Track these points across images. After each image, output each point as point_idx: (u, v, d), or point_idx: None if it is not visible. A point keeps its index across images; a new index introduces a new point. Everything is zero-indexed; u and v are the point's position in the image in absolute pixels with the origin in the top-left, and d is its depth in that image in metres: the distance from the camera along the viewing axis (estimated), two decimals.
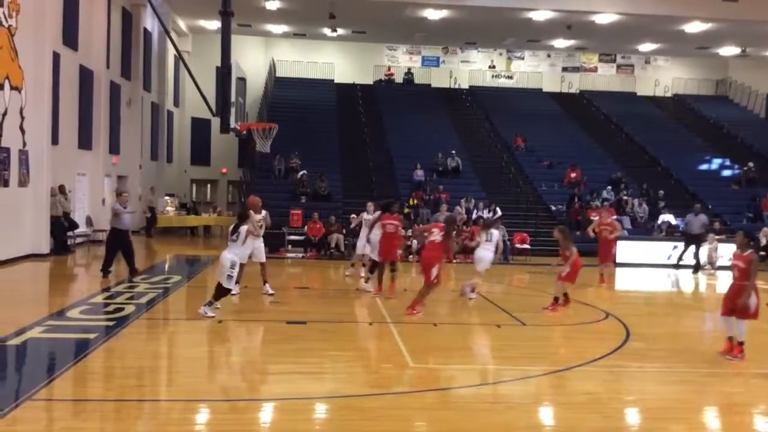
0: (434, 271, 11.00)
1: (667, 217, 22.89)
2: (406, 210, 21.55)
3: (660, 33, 29.59)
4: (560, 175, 25.97)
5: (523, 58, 36.65)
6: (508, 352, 9.05)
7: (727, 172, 27.94)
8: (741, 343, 8.72)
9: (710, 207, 23.84)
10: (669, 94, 35.95)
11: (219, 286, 10.17)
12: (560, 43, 32.71)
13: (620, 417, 6.67)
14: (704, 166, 28.48)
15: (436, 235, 11.18)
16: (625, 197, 24.03)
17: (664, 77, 36.59)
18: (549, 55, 36.32)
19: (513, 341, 9.70)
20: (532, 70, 36.33)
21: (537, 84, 35.46)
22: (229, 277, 10.06)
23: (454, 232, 11.93)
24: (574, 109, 33.07)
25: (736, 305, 8.62)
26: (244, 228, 10.33)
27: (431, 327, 10.25)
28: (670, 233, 22.06)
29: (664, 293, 16.86)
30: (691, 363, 8.81)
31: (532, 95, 34.36)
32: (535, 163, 27.23)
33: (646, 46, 33.00)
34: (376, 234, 13.09)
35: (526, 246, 21.26)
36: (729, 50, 32.44)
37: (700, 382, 8.04)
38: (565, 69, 36.68)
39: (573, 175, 25.49)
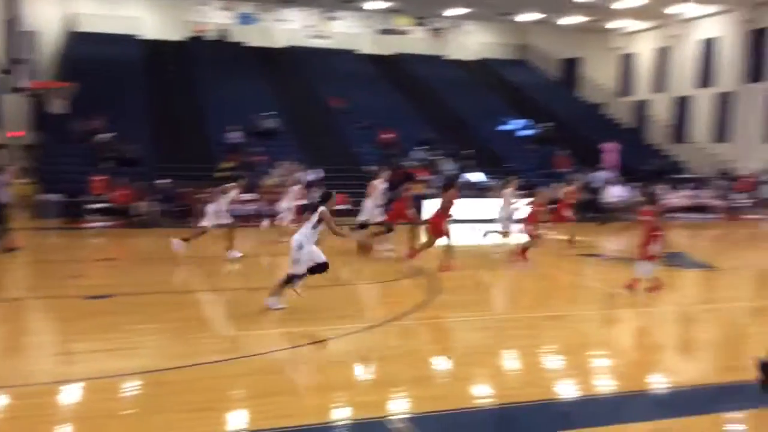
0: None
1: (476, 176, 24.30)
2: (220, 174, 20.98)
3: None
4: (376, 136, 26.57)
5: (340, 19, 36.72)
6: (324, 313, 9.20)
7: (525, 132, 30.11)
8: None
9: (512, 165, 25.62)
10: (475, 58, 37.87)
11: None
12: (373, 5, 33.16)
13: (431, 365, 7.08)
14: (506, 127, 30.47)
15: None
16: (435, 158, 25.13)
17: (471, 42, 38.43)
18: (365, 18, 36.69)
19: (331, 301, 9.87)
20: (349, 32, 36.55)
21: (354, 46, 35.77)
22: None
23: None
24: (389, 72, 33.83)
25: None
26: None
27: (253, 292, 10.15)
28: (478, 191, 23.46)
29: (470, 247, 18.00)
30: (491, 311, 9.54)
31: (350, 57, 34.63)
32: (352, 124, 27.62)
33: (455, 11, 34.41)
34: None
35: (348, 206, 21.57)
36: (529, 16, 34.74)
37: (498, 327, 8.74)
38: (381, 31, 37.30)
39: (387, 136, 26.18)
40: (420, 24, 37.97)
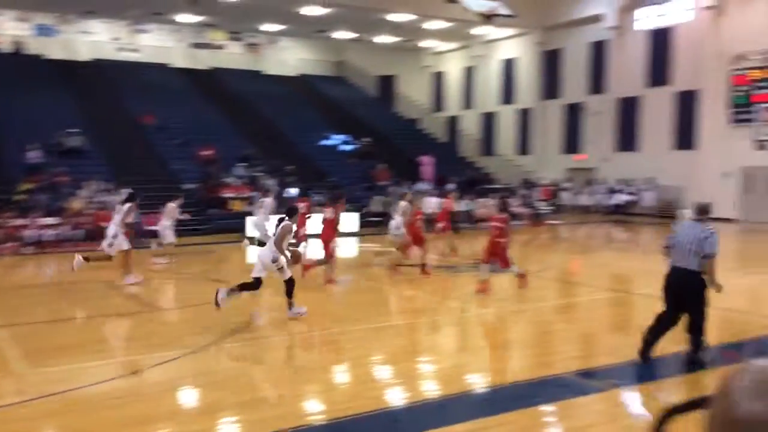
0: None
1: (294, 191, 24.19)
2: (18, 197, 19.14)
3: (281, 14, 30.98)
4: (194, 153, 25.62)
5: (149, 32, 35.11)
6: (139, 341, 8.59)
7: (346, 147, 30.63)
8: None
9: (335, 180, 25.88)
10: (294, 74, 37.95)
11: None
12: (186, 18, 32.12)
13: (257, 387, 6.80)
14: (326, 142, 30.80)
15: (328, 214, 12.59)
16: (256, 174, 24.73)
17: (290, 58, 38.47)
18: (177, 31, 35.41)
19: (144, 328, 9.25)
20: (160, 45, 35.04)
21: (166, 59, 34.36)
22: None
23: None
24: (205, 86, 32.86)
25: (495, 256, 11.27)
26: None
27: (52, 325, 9.23)
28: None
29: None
30: (318, 326, 9.44)
31: (161, 71, 33.20)
32: (167, 141, 26.41)
33: (270, 27, 34.26)
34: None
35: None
36: (344, 34, 35.45)
37: (326, 341, 8.66)
38: (194, 45, 36.18)
39: (207, 153, 25.34)
40: (235, 39, 37.39)
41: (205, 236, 20.21)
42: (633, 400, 6.61)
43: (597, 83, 31.41)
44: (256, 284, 9.26)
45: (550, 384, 6.80)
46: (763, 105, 21.53)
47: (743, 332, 9.31)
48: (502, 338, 9.47)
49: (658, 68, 28.93)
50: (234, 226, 20.10)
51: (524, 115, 35.29)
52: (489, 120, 37.32)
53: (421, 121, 36.91)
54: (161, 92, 29.88)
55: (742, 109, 25.52)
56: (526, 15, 31.02)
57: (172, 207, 15.64)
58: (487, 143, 36.44)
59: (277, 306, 10.48)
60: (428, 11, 29.87)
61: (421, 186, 25.95)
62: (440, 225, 17.28)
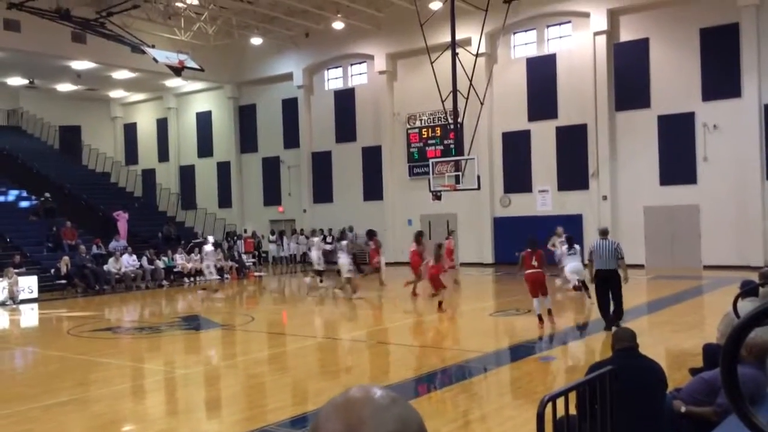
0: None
1: None
2: None
3: None
4: None
5: None
6: None
7: (24, 203, 27.43)
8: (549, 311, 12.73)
9: (9, 240, 22.92)
10: None
11: None
12: None
13: None
14: (1, 198, 27.28)
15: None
16: None
17: None
18: None
19: None
20: None
21: None
22: None
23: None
24: None
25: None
26: None
27: None
28: None
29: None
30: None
31: None
32: None
33: None
34: None
35: None
36: (17, 80, 32.04)
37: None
38: None
39: None
40: None
41: None
42: None
43: (292, 138, 32.65)
44: None
45: None
46: (435, 160, 24.32)
47: (433, 365, 10.15)
48: (211, 396, 9.04)
49: (345, 125, 31.10)
50: None
51: (223, 168, 35.20)
52: (188, 173, 36.49)
53: (113, 174, 34.61)
54: None
55: (418, 163, 28.50)
56: (217, 70, 31.21)
57: None
58: (187, 196, 35.50)
59: None
60: (113, 60, 28.31)
61: (115, 244, 24.21)
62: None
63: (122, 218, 26.38)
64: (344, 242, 20.38)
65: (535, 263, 12.28)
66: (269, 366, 10.71)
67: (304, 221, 31.84)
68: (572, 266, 16.16)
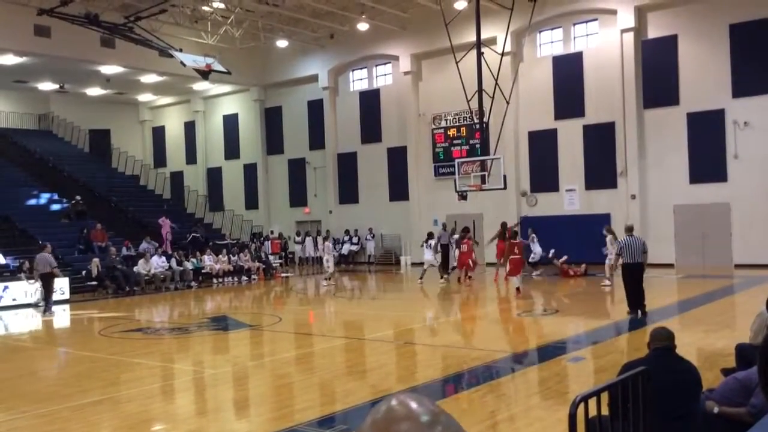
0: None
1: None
2: None
3: None
4: None
5: None
6: None
7: (56, 206, 27.89)
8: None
9: (41, 242, 23.29)
10: None
11: None
12: None
13: None
14: (33, 201, 27.77)
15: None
16: None
17: None
18: None
19: None
20: None
21: None
22: None
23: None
24: None
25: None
26: None
27: None
28: None
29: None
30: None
31: None
32: None
33: None
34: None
35: None
36: (48, 85, 32.59)
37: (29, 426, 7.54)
38: None
39: None
40: None
41: None
42: None
43: (317, 139, 32.78)
44: None
45: None
46: (461, 160, 24.28)
47: (460, 364, 10.12)
48: (239, 396, 9.10)
49: (370, 126, 31.15)
50: None
51: (250, 170, 35.45)
52: (215, 175, 36.82)
53: (141, 177, 35.08)
54: None
55: (444, 163, 28.44)
56: (243, 73, 31.41)
57: None
58: (215, 198, 35.83)
59: None
60: (142, 64, 28.66)
61: (146, 246, 24.50)
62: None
63: (166, 224, 26.70)
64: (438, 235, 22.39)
65: (516, 251, 17.35)
66: (296, 366, 10.76)
67: (330, 222, 31.93)
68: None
